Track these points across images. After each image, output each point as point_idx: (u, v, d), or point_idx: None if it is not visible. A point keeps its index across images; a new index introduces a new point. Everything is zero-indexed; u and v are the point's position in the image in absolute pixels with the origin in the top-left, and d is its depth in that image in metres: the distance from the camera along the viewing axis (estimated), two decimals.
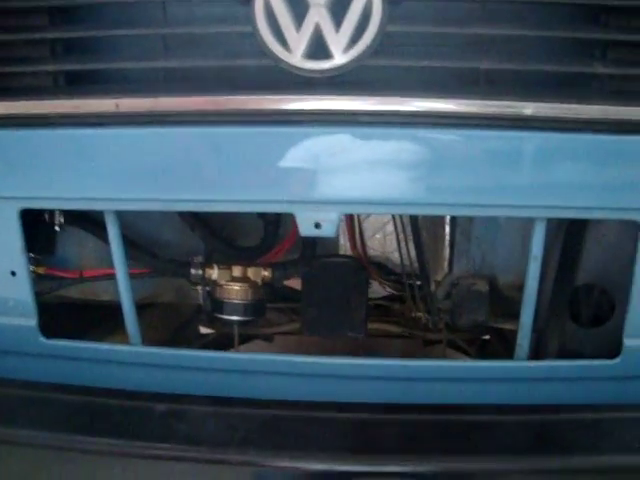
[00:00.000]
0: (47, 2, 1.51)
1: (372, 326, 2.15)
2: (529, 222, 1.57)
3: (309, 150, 1.47)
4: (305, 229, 1.51)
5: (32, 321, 1.70)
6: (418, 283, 2.08)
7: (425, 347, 2.86)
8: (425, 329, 2.36)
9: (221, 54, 1.48)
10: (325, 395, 1.60)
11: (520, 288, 1.91)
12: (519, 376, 1.66)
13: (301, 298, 2.01)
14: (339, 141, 1.46)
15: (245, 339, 2.68)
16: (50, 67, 1.54)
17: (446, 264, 1.95)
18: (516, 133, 1.46)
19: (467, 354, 2.60)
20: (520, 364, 1.64)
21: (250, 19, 1.41)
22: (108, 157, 1.53)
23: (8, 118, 1.55)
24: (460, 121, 1.45)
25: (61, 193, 1.57)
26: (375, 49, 1.41)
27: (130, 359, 1.68)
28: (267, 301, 2.00)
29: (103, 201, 1.57)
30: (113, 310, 1.75)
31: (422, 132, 1.45)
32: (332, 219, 1.50)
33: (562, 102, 1.44)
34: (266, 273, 1.91)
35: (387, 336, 2.65)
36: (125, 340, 1.73)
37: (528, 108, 1.43)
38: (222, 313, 1.87)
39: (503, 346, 2.30)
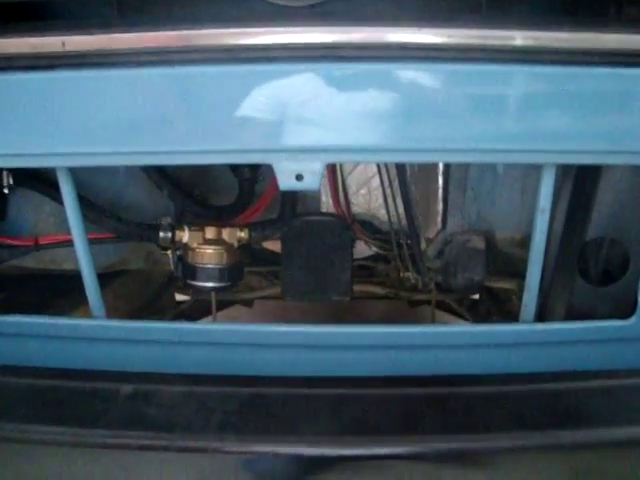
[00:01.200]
0: None
1: (355, 288, 1.96)
2: (533, 170, 1.37)
3: (287, 90, 1.25)
4: (285, 182, 1.30)
5: None
6: (407, 242, 1.89)
7: (411, 308, 2.69)
8: (412, 290, 2.19)
9: None
10: (310, 368, 1.40)
11: (520, 244, 1.74)
12: (524, 341, 1.47)
13: (281, 261, 1.81)
14: (321, 79, 1.24)
15: (223, 305, 2.48)
16: None
17: (439, 219, 1.75)
18: (522, 67, 1.25)
19: (458, 316, 2.42)
20: (526, 327, 1.44)
21: None
22: (56, 105, 1.30)
23: None
24: (459, 54, 1.23)
25: (3, 149, 1.34)
26: None
27: (93, 334, 1.47)
28: (245, 264, 1.79)
29: (53, 157, 1.34)
30: (77, 280, 1.52)
31: (416, 67, 1.24)
32: (315, 169, 1.29)
33: (576, 31, 1.22)
34: (242, 234, 1.70)
35: (370, 297, 2.46)
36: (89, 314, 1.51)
37: (537, 38, 1.22)
38: (195, 280, 1.66)
39: (495, 306, 2.13)
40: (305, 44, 1.22)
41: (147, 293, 2.14)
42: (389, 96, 1.25)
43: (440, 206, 1.73)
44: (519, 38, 1.22)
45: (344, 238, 1.86)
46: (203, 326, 1.66)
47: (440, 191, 1.72)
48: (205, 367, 1.40)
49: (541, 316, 1.50)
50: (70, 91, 1.29)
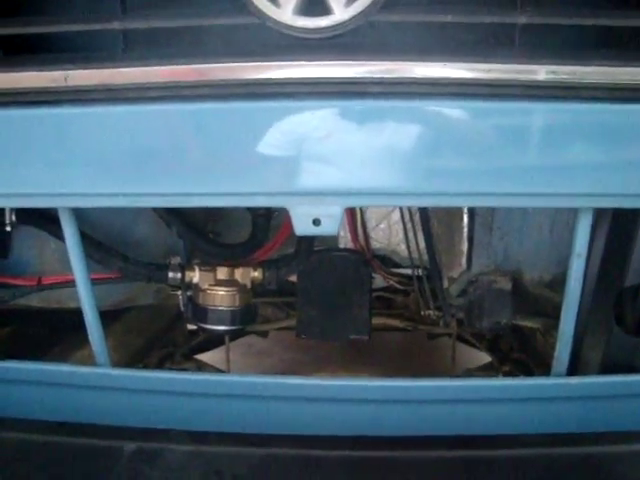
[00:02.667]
0: None
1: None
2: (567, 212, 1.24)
3: (304, 129, 1.13)
4: (301, 227, 1.18)
5: None
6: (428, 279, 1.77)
7: (430, 340, 2.55)
8: (432, 323, 2.06)
9: (192, 11, 1.13)
10: (326, 425, 1.27)
11: (548, 284, 1.60)
12: (556, 396, 1.33)
13: (296, 292, 1.70)
14: (341, 117, 1.12)
15: (237, 336, 2.36)
16: None
17: (464, 260, 1.62)
18: (557, 104, 1.12)
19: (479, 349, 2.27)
20: (559, 381, 1.31)
21: None
22: (58, 142, 1.19)
23: None
24: (490, 90, 1.11)
25: (5, 188, 1.23)
26: (384, 1, 1.07)
27: (95, 383, 1.34)
28: (259, 294, 1.67)
29: (56, 197, 1.22)
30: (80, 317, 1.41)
31: (442, 104, 1.12)
32: (334, 214, 1.17)
33: (616, 65, 1.10)
34: (256, 274, 1.57)
35: (388, 330, 2.33)
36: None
37: (573, 73, 1.10)
38: (206, 322, 1.54)
39: (518, 342, 1.99)
40: (324, 79, 1.10)
41: (158, 326, 2.02)
42: (414, 135, 1.13)
43: (465, 246, 1.60)
44: (553, 73, 1.10)
45: (363, 274, 1.77)
46: (213, 377, 1.53)
47: (465, 230, 1.60)
48: (214, 422, 1.28)
49: (573, 368, 1.36)
50: (73, 128, 1.18)
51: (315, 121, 1.12)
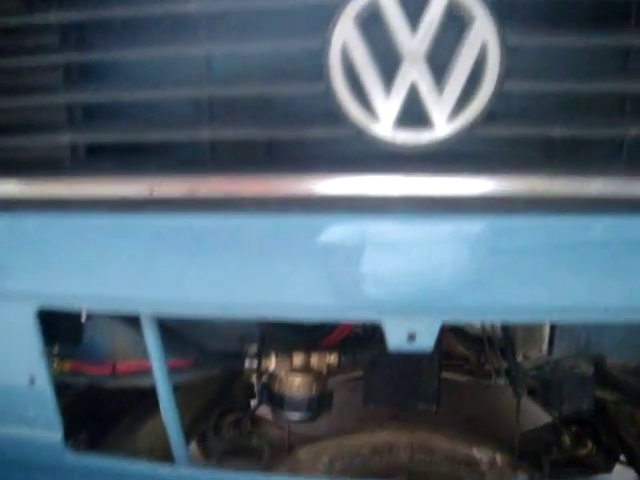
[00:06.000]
0: (63, 58, 1.09)
1: None
2: None
3: (399, 245, 1.04)
4: (395, 342, 1.08)
5: (56, 435, 1.30)
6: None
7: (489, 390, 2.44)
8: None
9: (284, 122, 1.04)
10: None
11: (634, 371, 1.49)
12: None
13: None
14: (442, 233, 1.03)
15: None
16: (67, 137, 1.11)
17: (544, 345, 1.50)
18: None
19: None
20: None
21: (323, 74, 0.97)
22: (143, 250, 1.11)
23: (16, 201, 1.13)
24: (601, 206, 1.00)
25: (85, 291, 1.16)
26: (488, 114, 0.97)
27: None
28: None
29: (138, 303, 1.14)
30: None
31: (552, 221, 1.01)
32: (431, 330, 1.07)
33: None
34: (331, 359, 1.48)
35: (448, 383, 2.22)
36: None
37: None
38: (282, 409, 1.45)
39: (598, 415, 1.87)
40: (424, 194, 1.01)
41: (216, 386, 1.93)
42: (517, 252, 1.03)
43: (546, 331, 1.49)
44: None
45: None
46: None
47: None
48: None
49: None
50: (158, 237, 1.10)
51: (409, 238, 1.03)
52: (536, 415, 2.18)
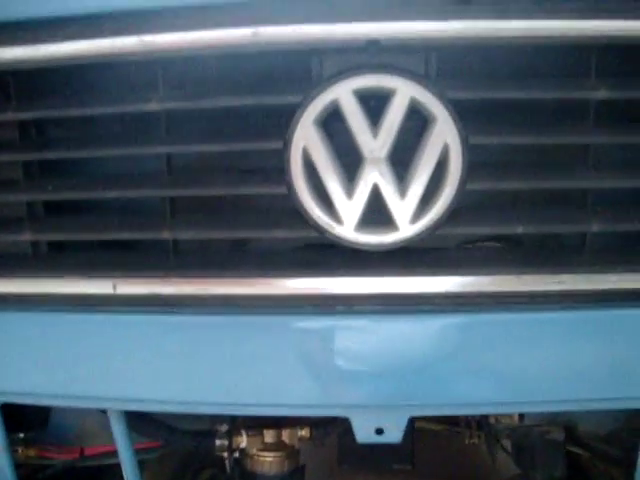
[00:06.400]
0: (22, 155, 1.07)
1: None
2: None
3: (365, 343, 1.04)
4: (363, 435, 1.07)
5: None
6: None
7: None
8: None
9: (246, 222, 1.03)
10: None
11: (604, 440, 1.49)
12: None
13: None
14: (408, 331, 1.03)
15: None
16: (28, 236, 1.09)
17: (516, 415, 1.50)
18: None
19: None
20: None
21: (285, 176, 0.96)
22: (106, 347, 1.09)
23: None
24: (566, 300, 1.00)
25: (50, 389, 1.13)
26: (451, 214, 0.97)
27: None
28: None
29: (106, 400, 1.12)
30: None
31: (516, 316, 1.01)
32: (399, 424, 1.06)
33: None
34: (303, 433, 1.46)
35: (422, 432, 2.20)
36: None
37: None
38: None
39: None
40: (386, 294, 1.00)
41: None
42: (480, 347, 1.03)
43: None
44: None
45: None
46: None
47: None
48: None
49: None
50: (124, 334, 1.08)
51: (377, 336, 1.03)
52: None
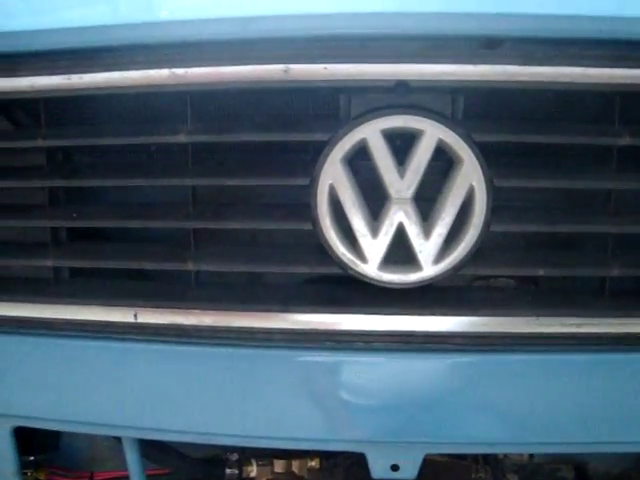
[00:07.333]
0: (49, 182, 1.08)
1: None
2: None
3: (384, 380, 1.03)
4: (379, 472, 1.07)
5: None
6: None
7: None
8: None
9: (269, 257, 1.03)
10: None
11: (617, 478, 1.48)
12: None
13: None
14: (426, 370, 1.02)
15: None
16: (50, 261, 1.09)
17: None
18: None
19: None
20: None
21: (311, 213, 0.96)
22: (124, 375, 1.09)
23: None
24: (584, 343, 1.00)
25: (64, 414, 1.13)
26: (474, 255, 0.97)
27: None
28: None
29: (120, 429, 1.12)
30: None
31: (534, 358, 1.01)
32: (414, 462, 1.05)
33: None
34: (313, 463, 1.45)
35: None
36: None
37: None
38: None
39: None
40: (407, 332, 1.00)
41: None
42: (502, 387, 1.02)
43: None
44: None
45: None
46: None
47: None
48: None
49: None
50: (139, 363, 1.08)
51: (396, 373, 1.03)
52: None
